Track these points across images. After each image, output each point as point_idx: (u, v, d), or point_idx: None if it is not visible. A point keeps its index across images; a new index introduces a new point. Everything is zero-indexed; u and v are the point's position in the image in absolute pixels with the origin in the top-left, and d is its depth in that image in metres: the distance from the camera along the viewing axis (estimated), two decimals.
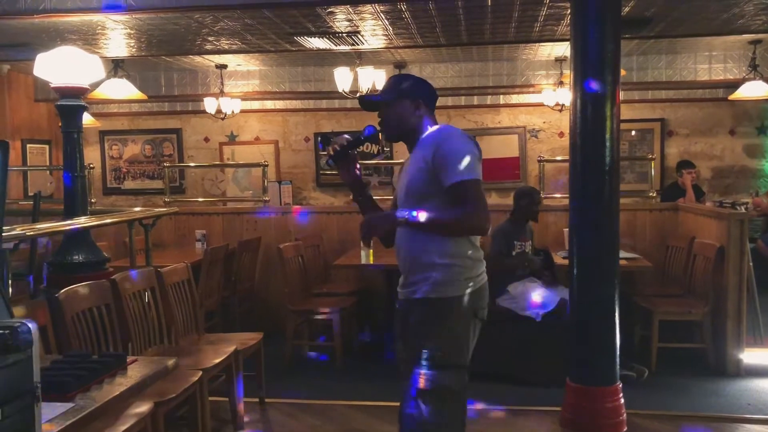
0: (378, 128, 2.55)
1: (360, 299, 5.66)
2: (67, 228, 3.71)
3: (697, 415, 4.16)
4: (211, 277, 5.30)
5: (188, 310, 4.20)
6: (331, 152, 2.52)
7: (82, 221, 3.81)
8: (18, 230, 3.42)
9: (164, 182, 7.53)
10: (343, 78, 6.30)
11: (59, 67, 3.78)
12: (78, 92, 3.89)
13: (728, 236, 4.85)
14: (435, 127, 2.50)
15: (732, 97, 7.16)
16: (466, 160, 2.32)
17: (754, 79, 6.79)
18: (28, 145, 8.37)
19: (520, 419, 4.16)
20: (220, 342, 4.22)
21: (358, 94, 6.19)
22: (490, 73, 7.67)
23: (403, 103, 2.49)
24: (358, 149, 2.57)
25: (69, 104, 3.87)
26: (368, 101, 2.64)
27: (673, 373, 4.87)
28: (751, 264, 5.05)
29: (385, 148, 9.10)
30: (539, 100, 7.91)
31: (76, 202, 3.98)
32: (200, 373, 3.45)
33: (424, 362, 2.36)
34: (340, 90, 6.38)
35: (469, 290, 2.41)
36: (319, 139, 9.39)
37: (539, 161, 6.73)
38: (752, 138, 8.77)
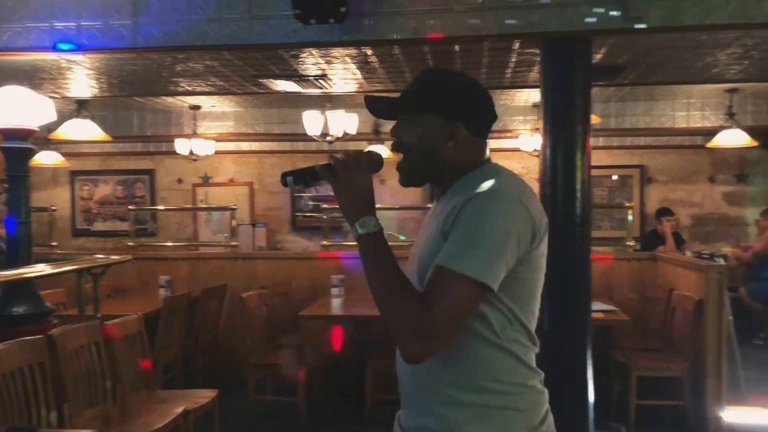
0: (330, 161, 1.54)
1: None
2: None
3: None
4: (170, 327, 5.04)
5: (138, 365, 3.95)
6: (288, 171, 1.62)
7: (14, 272, 3.57)
8: None
9: (129, 225, 7.30)
10: (312, 121, 6.15)
11: (4, 107, 3.59)
12: (25, 134, 3.69)
13: (707, 289, 4.68)
14: (484, 168, 1.54)
15: (709, 144, 7.10)
16: (486, 244, 1.38)
17: (731, 127, 6.73)
18: None
19: None
20: (172, 400, 3.95)
21: (328, 138, 6.04)
22: None
23: (430, 120, 1.52)
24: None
25: (14, 147, 3.67)
26: (376, 104, 1.60)
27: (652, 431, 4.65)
28: (730, 318, 4.87)
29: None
30: (517, 145, 7.82)
31: (20, 250, 3.75)
32: None
33: None
34: (310, 134, 6.23)
35: None
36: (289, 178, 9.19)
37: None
38: (732, 185, 8.71)
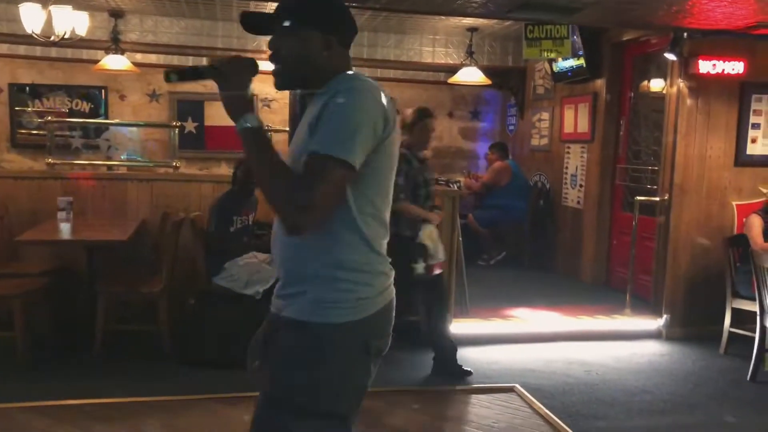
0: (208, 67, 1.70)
1: (55, 280, 4.85)
2: None
3: (403, 389, 4.23)
4: None
5: None
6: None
7: None
8: None
9: None
10: (31, 16, 5.26)
11: None
12: None
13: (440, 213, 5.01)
14: (346, 74, 1.75)
15: (451, 80, 7.55)
16: (348, 130, 1.61)
17: (470, 65, 7.22)
18: None
19: (228, 408, 3.83)
20: None
21: (52, 38, 5.25)
22: (220, 33, 7.15)
23: (309, 35, 1.73)
24: None
25: None
26: (253, 19, 1.80)
27: None
28: (460, 239, 5.31)
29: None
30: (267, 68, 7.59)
31: None
32: None
33: (283, 405, 1.72)
34: (29, 31, 5.35)
35: (361, 316, 1.72)
36: (27, 89, 8.02)
37: (267, 131, 6.41)
38: (467, 122, 9.45)
